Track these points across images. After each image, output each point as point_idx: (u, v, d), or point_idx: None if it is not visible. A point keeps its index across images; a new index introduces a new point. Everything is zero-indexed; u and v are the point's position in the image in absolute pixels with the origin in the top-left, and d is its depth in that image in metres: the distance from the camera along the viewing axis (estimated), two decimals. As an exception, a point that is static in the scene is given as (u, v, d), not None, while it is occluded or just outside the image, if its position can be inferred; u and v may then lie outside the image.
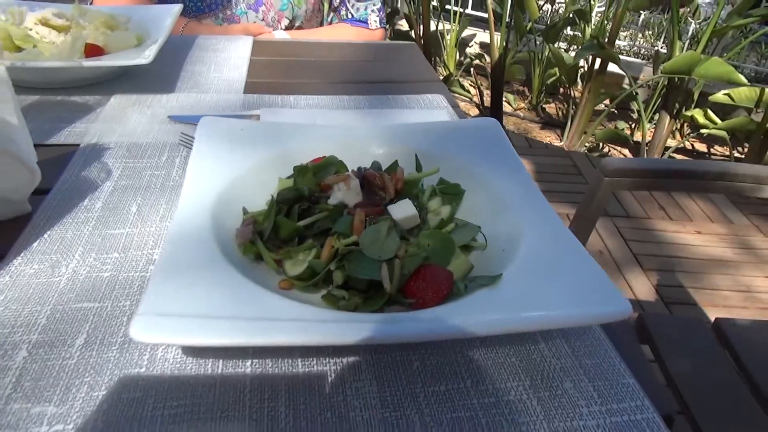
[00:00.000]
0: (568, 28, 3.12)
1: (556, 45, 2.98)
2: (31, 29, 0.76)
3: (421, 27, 3.10)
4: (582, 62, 2.89)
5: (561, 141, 2.89)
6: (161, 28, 0.84)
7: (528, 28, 2.88)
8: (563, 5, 3.23)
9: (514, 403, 0.37)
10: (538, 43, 3.09)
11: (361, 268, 0.40)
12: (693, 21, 3.01)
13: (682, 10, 2.78)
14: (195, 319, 0.35)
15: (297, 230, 0.45)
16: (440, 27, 3.25)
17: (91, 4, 1.21)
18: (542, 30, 2.95)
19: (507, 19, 2.90)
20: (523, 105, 3.29)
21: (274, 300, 0.37)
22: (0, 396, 0.35)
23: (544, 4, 3.09)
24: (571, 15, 2.93)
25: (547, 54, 2.99)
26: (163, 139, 0.66)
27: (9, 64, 0.67)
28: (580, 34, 3.09)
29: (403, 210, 0.45)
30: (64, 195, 0.55)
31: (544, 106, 3.24)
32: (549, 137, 2.95)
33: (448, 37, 3.31)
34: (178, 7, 0.93)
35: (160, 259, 0.39)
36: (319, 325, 0.36)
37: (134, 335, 0.33)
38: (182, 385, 0.37)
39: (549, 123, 3.09)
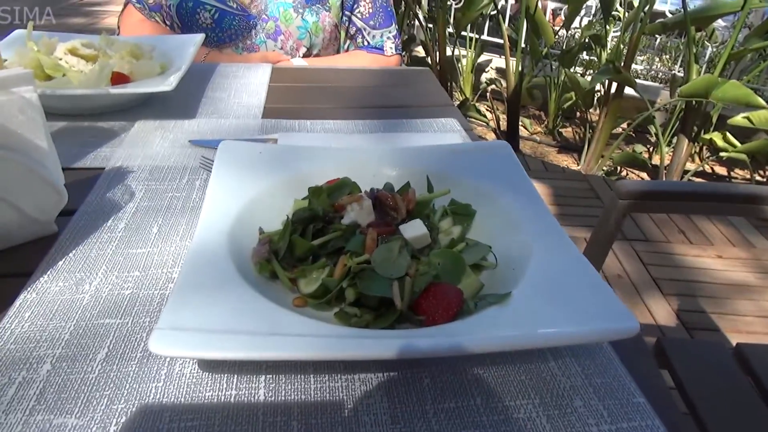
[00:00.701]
0: (584, 52, 3.15)
1: (571, 70, 3.00)
2: (61, 59, 0.80)
3: (438, 53, 3.15)
4: (598, 86, 2.90)
5: (578, 165, 2.89)
6: (184, 57, 0.87)
7: (544, 53, 2.91)
8: (579, 30, 3.26)
9: (524, 420, 0.38)
10: (553, 67, 3.12)
11: (372, 285, 0.41)
12: (710, 45, 3.01)
13: (698, 34, 2.78)
14: (211, 333, 0.36)
15: (311, 249, 0.46)
16: (456, 53, 3.29)
17: (118, 34, 1.26)
18: (558, 55, 2.98)
19: (522, 45, 2.94)
20: (539, 129, 3.30)
21: (287, 316, 0.39)
22: (24, 408, 0.36)
23: (559, 30, 3.12)
24: (586, 40, 2.95)
25: (563, 78, 3.01)
26: (183, 163, 0.69)
27: (40, 91, 0.70)
28: (596, 58, 3.11)
29: (414, 229, 0.46)
30: (89, 216, 0.57)
31: (560, 130, 3.24)
32: (566, 161, 2.95)
33: (464, 63, 3.35)
34: (200, 37, 0.97)
35: (180, 276, 0.41)
36: (332, 340, 0.37)
37: (153, 348, 0.34)
38: (198, 399, 0.38)
39: (566, 147, 3.09)
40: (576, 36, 3.40)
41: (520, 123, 3.14)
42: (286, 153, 0.60)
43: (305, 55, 1.29)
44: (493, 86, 3.48)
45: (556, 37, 3.11)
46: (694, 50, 2.40)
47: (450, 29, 3.23)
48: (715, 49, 3.02)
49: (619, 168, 2.84)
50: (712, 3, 2.37)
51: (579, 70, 3.29)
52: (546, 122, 3.28)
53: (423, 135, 0.80)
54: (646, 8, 2.45)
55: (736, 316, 1.78)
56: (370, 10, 1.31)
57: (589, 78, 3.00)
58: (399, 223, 0.48)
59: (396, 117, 0.87)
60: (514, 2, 3.49)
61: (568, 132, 3.26)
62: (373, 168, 0.58)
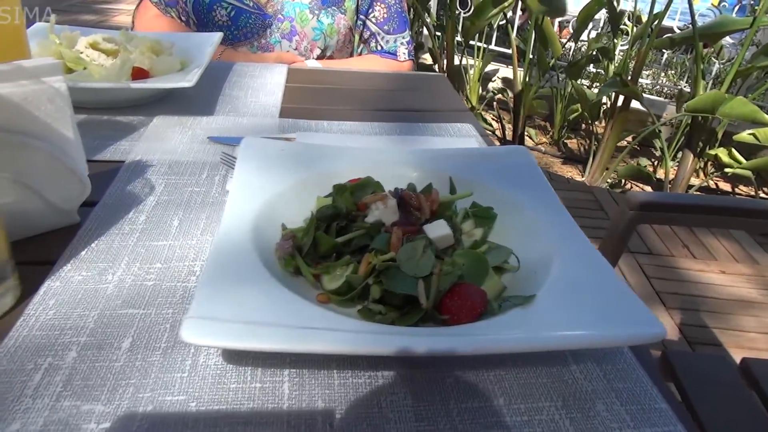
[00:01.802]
0: (591, 65, 3.16)
1: (578, 81, 3.01)
2: (82, 52, 0.81)
3: (445, 61, 3.16)
4: (605, 99, 2.91)
5: (582, 176, 2.90)
6: (203, 54, 0.88)
7: (551, 64, 2.92)
8: (586, 43, 3.27)
9: (547, 422, 0.38)
10: (560, 79, 3.13)
11: (398, 283, 0.41)
12: (717, 61, 3.03)
13: (705, 50, 2.80)
14: (240, 324, 0.36)
15: (335, 246, 0.46)
16: (464, 62, 3.31)
17: (131, 29, 1.26)
18: (565, 66, 2.99)
19: (530, 56, 2.95)
20: (544, 140, 3.30)
21: (314, 310, 0.39)
22: (52, 393, 0.37)
23: (567, 42, 3.14)
24: (594, 52, 2.96)
25: (569, 90, 3.02)
26: (203, 158, 0.69)
27: (62, 83, 0.71)
28: (602, 71, 3.12)
29: (438, 230, 0.46)
30: (110, 208, 0.57)
31: (566, 141, 3.25)
32: (570, 172, 2.95)
33: (471, 72, 3.37)
34: (218, 35, 0.97)
35: (207, 267, 0.41)
36: (359, 335, 0.37)
37: (185, 337, 0.34)
38: (223, 390, 0.38)
39: (570, 158, 3.10)
40: (583, 48, 3.42)
41: (526, 133, 3.15)
42: (308, 151, 0.60)
43: (319, 57, 1.30)
44: (500, 96, 3.49)
45: (564, 48, 3.13)
46: (702, 66, 2.40)
47: (458, 38, 3.24)
48: (721, 66, 3.03)
49: (623, 181, 2.85)
50: (721, 20, 2.39)
51: (585, 82, 3.30)
52: (551, 133, 3.29)
53: (440, 139, 0.81)
54: (655, 23, 2.46)
55: (739, 331, 1.78)
56: (385, 15, 1.32)
57: (595, 90, 3.01)
58: (423, 223, 0.48)
59: (412, 120, 0.87)
60: (522, 13, 3.51)
61: (573, 143, 3.27)
62: (394, 169, 0.59)
